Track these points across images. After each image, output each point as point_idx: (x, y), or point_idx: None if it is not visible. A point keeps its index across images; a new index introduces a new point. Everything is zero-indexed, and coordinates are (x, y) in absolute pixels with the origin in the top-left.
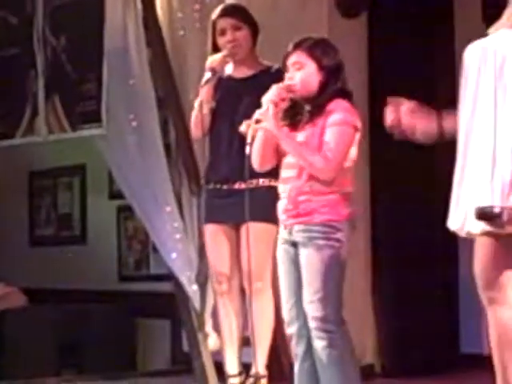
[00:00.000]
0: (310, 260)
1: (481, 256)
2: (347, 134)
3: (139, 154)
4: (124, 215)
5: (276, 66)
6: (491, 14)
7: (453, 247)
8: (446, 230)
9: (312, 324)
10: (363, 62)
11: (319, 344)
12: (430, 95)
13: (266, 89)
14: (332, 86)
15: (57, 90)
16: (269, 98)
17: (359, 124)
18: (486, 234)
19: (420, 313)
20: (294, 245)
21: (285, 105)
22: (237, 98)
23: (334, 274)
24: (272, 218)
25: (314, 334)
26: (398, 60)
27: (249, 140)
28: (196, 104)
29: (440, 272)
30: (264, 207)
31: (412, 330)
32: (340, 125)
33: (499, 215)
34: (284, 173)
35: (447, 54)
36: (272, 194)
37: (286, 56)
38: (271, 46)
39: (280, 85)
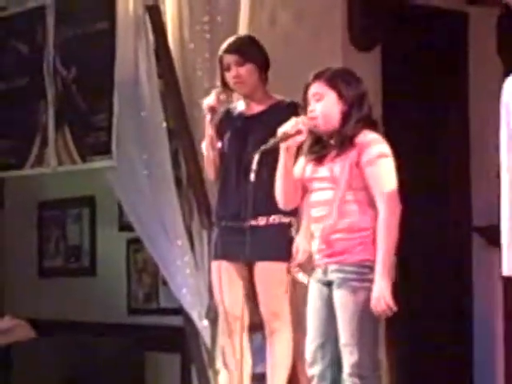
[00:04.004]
0: (345, 302)
1: None
2: (389, 165)
3: (149, 187)
4: (134, 247)
5: (288, 100)
6: (506, 46)
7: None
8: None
9: (346, 369)
10: (377, 96)
11: None
12: (442, 129)
13: (275, 124)
14: (355, 116)
15: (67, 120)
16: (284, 129)
17: (390, 152)
18: None
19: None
20: (329, 285)
21: (304, 138)
22: (244, 136)
23: (369, 317)
24: (285, 256)
25: (347, 379)
26: (412, 93)
27: (254, 166)
28: (203, 146)
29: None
30: (276, 245)
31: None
32: (378, 158)
33: None
34: (314, 211)
35: (461, 88)
36: (283, 231)
37: (306, 87)
38: (285, 80)
39: (299, 118)
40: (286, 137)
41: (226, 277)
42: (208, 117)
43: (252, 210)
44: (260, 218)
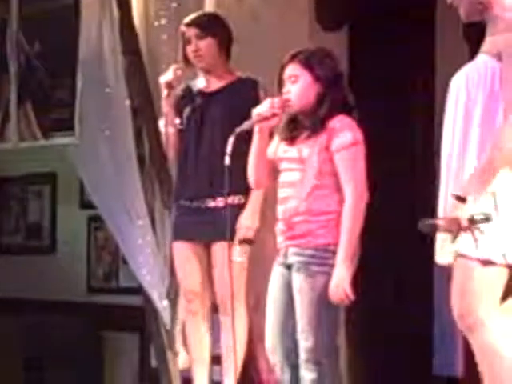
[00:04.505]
0: (303, 287)
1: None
2: (359, 153)
3: (112, 165)
4: (94, 225)
5: (248, 76)
6: (473, 30)
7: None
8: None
9: (302, 354)
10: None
11: (307, 376)
12: (407, 107)
13: (233, 102)
14: (330, 98)
15: (29, 96)
16: (259, 111)
17: (361, 139)
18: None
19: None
20: (289, 268)
21: (277, 121)
22: (203, 114)
23: (327, 303)
24: None
25: (303, 364)
26: (379, 73)
27: (228, 150)
28: (161, 124)
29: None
30: (234, 226)
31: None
32: (350, 146)
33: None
34: (281, 192)
35: (428, 71)
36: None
37: (282, 69)
38: (251, 59)
39: (275, 99)
40: (261, 119)
41: (183, 257)
42: (164, 92)
43: (211, 191)
44: (219, 199)
